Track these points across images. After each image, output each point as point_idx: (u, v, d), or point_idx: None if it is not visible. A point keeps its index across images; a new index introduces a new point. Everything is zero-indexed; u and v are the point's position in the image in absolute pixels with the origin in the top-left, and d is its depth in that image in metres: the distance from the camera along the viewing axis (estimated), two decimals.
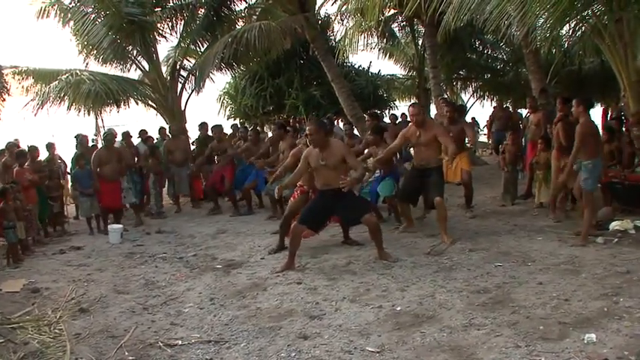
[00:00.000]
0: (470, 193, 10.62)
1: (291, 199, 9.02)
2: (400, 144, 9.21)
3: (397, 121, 18.08)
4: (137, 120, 19.28)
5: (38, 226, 10.74)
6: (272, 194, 11.15)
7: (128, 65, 16.50)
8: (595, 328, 4.93)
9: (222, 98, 22.99)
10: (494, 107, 22.05)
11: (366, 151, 10.43)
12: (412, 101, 25.56)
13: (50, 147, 12.98)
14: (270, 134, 17.22)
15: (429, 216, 9.84)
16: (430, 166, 8.70)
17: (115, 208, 11.82)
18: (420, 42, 21.31)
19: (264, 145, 12.31)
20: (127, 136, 14.32)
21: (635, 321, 5.02)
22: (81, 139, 12.82)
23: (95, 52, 15.55)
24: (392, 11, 18.22)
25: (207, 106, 23.12)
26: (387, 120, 18.75)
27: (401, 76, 26.50)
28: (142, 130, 15.30)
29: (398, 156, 10.74)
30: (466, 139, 10.28)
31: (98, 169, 11.42)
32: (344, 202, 7.66)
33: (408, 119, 9.86)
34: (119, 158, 11.80)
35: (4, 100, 16.04)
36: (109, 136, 12.22)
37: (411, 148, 10.34)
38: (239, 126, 17.77)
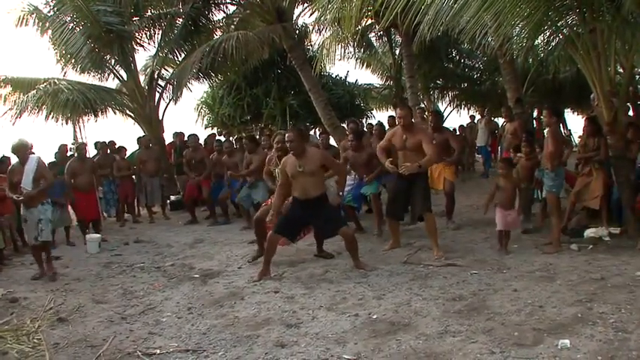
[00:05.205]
0: (452, 204, 10.44)
1: (264, 205, 9.04)
2: (386, 146, 8.63)
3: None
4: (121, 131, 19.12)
5: (15, 237, 10.63)
6: (243, 204, 11.25)
7: (106, 74, 16.50)
8: (569, 333, 4.99)
9: (199, 107, 22.92)
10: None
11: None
12: (390, 111, 25.77)
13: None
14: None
15: (405, 226, 9.83)
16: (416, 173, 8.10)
17: (92, 218, 11.83)
18: (397, 51, 21.43)
19: (239, 155, 12.32)
20: (103, 146, 14.16)
21: (609, 326, 5.09)
22: (60, 148, 12.78)
23: (73, 61, 15.54)
24: (369, 21, 18.29)
25: (185, 116, 23.11)
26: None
27: (378, 86, 26.67)
28: (110, 141, 15.04)
29: None
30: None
31: (72, 181, 11.45)
32: (320, 214, 7.69)
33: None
34: (93, 169, 11.89)
35: None
36: (81, 146, 12.30)
37: None
38: (217, 135, 17.77)
